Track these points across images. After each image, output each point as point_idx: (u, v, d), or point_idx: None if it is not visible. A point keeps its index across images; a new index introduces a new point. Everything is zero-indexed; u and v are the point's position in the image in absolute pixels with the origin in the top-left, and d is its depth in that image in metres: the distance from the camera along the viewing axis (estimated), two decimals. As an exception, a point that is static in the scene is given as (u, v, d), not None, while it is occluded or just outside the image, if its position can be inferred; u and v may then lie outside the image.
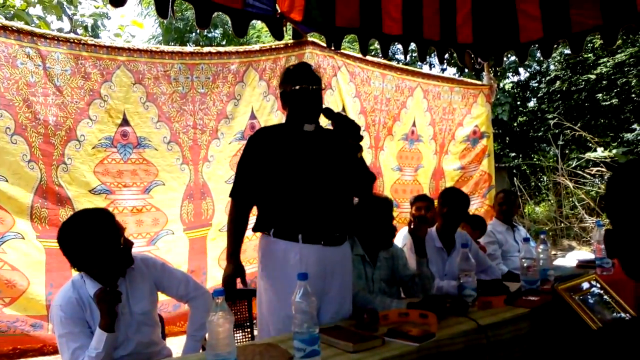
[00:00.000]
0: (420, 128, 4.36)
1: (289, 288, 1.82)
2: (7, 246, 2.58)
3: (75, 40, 2.89)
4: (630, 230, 0.89)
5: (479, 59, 4.17)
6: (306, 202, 1.99)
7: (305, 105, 2.06)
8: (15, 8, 6.10)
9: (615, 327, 0.93)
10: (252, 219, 2.12)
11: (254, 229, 2.10)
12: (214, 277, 3.13)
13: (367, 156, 3.95)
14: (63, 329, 1.78)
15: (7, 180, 2.59)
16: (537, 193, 10.36)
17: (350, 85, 3.88)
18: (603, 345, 0.92)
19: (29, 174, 2.66)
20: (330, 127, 2.11)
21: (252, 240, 3.07)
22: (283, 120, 2.35)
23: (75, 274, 1.89)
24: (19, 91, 2.66)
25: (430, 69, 12.50)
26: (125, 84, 2.97)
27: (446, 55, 4.02)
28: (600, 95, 10.89)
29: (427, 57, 3.68)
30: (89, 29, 7.63)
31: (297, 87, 2.04)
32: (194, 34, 12.30)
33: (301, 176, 2.00)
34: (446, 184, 4.44)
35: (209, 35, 12.50)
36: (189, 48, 3.36)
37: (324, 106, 2.10)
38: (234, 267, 2.00)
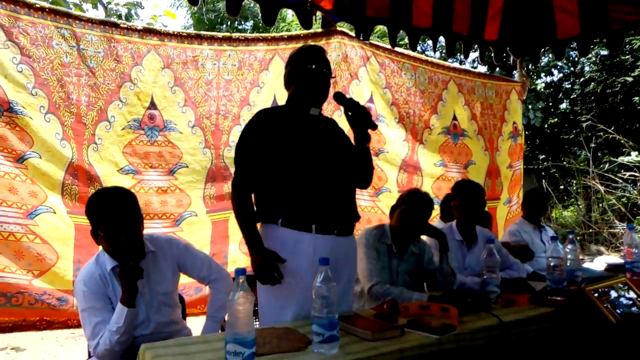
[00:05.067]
0: (462, 122, 4.27)
1: (297, 279, 1.80)
2: (39, 219, 2.67)
3: (109, 23, 2.96)
4: None
5: (512, 56, 4.08)
6: (319, 190, 1.88)
7: (318, 86, 1.94)
8: (53, -6, 6.27)
9: (634, 319, 0.90)
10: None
11: (259, 219, 1.96)
12: (234, 262, 3.17)
13: (403, 149, 3.91)
14: (86, 304, 1.81)
15: (40, 157, 2.69)
16: (565, 197, 10.10)
17: (380, 75, 3.85)
18: (621, 336, 0.89)
19: (61, 152, 2.75)
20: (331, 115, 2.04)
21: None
22: None
23: (99, 249, 1.92)
24: (54, 71, 2.75)
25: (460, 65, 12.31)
26: (155, 68, 3.03)
27: (477, 53, 3.94)
28: (636, 98, 10.52)
29: (456, 52, 3.60)
30: (123, 18, 7.78)
31: (313, 67, 1.92)
32: (224, 25, 12.40)
33: (312, 162, 1.89)
34: (502, 183, 4.32)
35: (239, 27, 12.59)
36: (219, 34, 3.38)
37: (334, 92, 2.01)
38: (263, 256, 1.81)
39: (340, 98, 2.00)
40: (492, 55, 3.90)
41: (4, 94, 2.59)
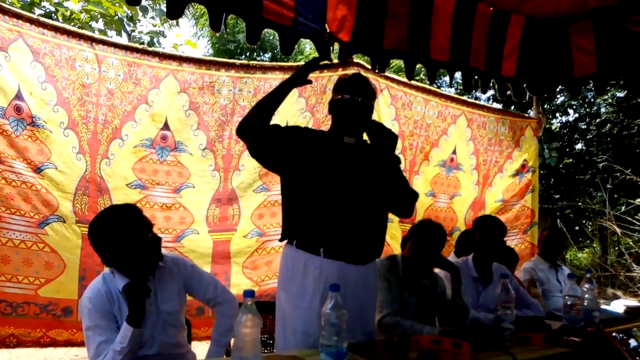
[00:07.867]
0: (461, 156, 4.28)
1: (305, 302, 1.81)
2: (49, 228, 2.74)
3: (131, 48, 3.05)
4: None
5: (528, 93, 4.08)
6: (331, 215, 1.87)
7: (348, 116, 1.96)
8: (80, 20, 6.49)
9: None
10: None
11: (281, 238, 2.02)
12: (237, 285, 3.15)
13: (403, 180, 3.91)
14: (90, 322, 1.78)
15: (56, 168, 2.78)
16: (580, 238, 9.90)
17: (391, 108, 3.88)
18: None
19: (76, 165, 2.84)
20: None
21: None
22: None
23: (106, 267, 1.91)
24: (75, 91, 2.84)
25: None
26: (171, 91, 3.11)
27: (492, 91, 3.94)
28: (654, 140, 10.42)
29: (472, 88, 3.61)
30: (145, 46, 7.99)
31: (343, 97, 1.95)
32: (243, 56, 12.68)
33: (330, 188, 1.89)
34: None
35: (258, 58, 12.86)
36: (237, 61, 3.44)
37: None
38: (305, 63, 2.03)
39: None
40: (511, 92, 3.89)
41: (29, 109, 2.70)
